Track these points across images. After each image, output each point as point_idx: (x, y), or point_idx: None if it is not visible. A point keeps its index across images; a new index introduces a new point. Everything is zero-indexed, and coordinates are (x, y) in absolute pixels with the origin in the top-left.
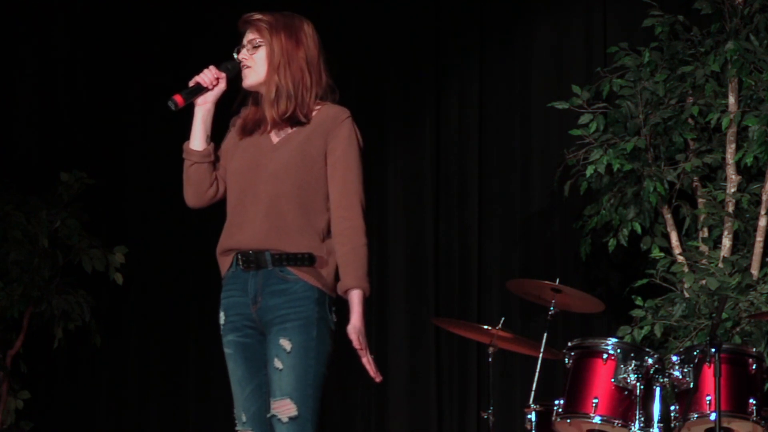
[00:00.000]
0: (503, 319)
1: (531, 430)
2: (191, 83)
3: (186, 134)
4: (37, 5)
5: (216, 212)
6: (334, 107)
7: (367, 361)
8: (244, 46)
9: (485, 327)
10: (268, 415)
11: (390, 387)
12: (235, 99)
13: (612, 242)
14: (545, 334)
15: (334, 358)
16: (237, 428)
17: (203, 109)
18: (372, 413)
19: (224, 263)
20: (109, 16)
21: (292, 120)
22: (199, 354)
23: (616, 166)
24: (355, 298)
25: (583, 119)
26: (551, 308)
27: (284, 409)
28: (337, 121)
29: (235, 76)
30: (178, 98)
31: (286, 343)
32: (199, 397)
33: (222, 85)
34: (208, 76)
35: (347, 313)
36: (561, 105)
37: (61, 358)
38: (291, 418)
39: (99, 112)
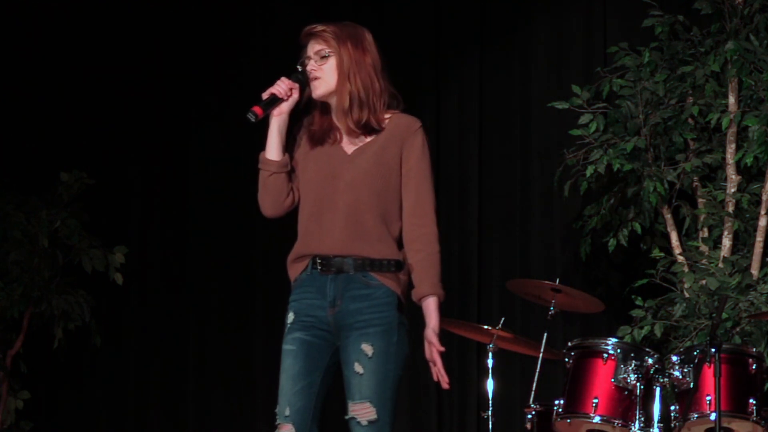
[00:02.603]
0: (503, 319)
1: (531, 430)
2: (265, 95)
3: (184, 134)
4: (38, 4)
5: (216, 212)
6: (405, 116)
7: (441, 367)
8: (309, 58)
9: (485, 327)
10: (347, 417)
11: None
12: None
13: (612, 242)
14: (545, 334)
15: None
16: (277, 422)
17: (279, 119)
18: None
19: (297, 269)
20: (108, 17)
21: (366, 128)
22: (198, 354)
23: (616, 166)
24: (432, 305)
25: (583, 119)
26: (551, 308)
27: (364, 412)
28: (411, 130)
29: (305, 86)
30: (258, 110)
31: (368, 348)
32: (198, 398)
33: (295, 96)
34: (282, 87)
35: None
36: (561, 105)
37: (61, 358)
38: (371, 422)
39: (99, 112)
